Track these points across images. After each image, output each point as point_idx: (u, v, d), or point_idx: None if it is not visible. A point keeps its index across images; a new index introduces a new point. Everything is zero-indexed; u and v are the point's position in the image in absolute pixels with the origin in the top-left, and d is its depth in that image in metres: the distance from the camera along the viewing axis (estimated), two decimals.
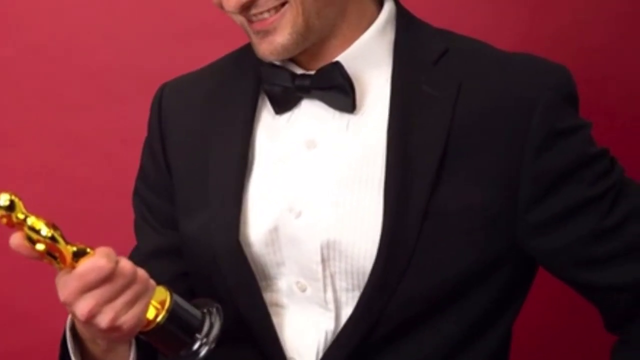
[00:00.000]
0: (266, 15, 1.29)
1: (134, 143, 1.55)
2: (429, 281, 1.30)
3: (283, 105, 1.36)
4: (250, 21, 1.31)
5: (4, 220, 1.12)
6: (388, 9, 1.36)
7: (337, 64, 1.32)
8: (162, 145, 1.45)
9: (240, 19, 1.32)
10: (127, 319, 1.18)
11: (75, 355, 1.28)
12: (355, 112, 1.33)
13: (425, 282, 1.30)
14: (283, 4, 1.28)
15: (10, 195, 1.12)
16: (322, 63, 1.34)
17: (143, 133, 1.51)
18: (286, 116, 1.37)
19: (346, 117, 1.33)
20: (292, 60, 1.36)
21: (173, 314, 1.24)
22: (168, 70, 1.58)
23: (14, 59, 2.04)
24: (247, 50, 1.40)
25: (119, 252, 1.19)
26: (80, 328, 1.25)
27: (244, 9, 1.29)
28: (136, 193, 1.50)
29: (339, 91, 1.31)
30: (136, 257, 1.44)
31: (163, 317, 1.24)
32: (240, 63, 1.42)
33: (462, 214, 1.29)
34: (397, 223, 1.28)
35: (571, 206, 1.31)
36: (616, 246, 1.31)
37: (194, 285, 1.44)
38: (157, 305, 1.24)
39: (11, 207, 1.11)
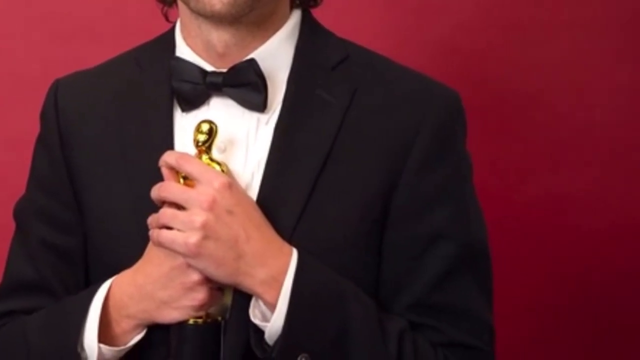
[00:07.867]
0: None
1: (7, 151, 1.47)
2: None
3: (191, 102, 1.35)
4: None
5: None
6: (297, 14, 1.39)
7: (253, 61, 1.33)
8: (62, 150, 1.38)
9: None
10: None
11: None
12: (265, 111, 1.34)
13: None
14: None
15: None
16: (233, 61, 1.34)
17: (19, 142, 1.45)
18: (193, 114, 1.35)
19: (255, 116, 1.34)
20: (201, 57, 1.35)
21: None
22: (45, 74, 1.52)
23: None
24: (150, 48, 1.41)
25: None
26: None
27: None
28: (23, 210, 1.43)
29: (252, 89, 1.32)
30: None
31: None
32: (144, 61, 1.41)
33: (339, 221, 1.30)
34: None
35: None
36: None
37: None
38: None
39: None
